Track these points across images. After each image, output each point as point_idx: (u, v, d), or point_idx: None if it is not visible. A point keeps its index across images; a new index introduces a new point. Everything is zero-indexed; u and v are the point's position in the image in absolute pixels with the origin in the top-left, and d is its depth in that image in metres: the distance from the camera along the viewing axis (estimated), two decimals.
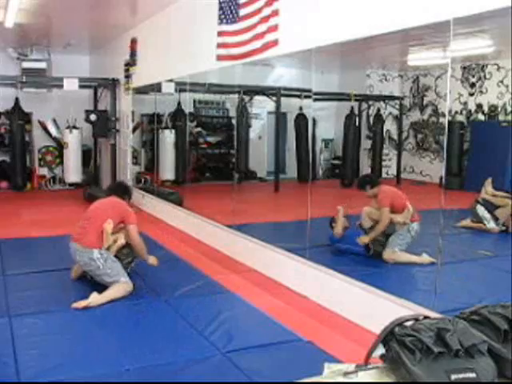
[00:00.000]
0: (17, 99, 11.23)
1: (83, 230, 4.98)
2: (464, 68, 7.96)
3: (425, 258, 5.46)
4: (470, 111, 8.04)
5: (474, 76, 7.95)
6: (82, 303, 4.58)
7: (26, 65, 11.92)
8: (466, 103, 8.07)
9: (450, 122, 7.43)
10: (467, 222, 6.95)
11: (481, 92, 7.89)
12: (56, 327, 4.32)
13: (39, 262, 6.05)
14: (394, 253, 5.57)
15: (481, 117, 7.95)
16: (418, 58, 7.96)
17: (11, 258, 6.21)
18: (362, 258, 5.85)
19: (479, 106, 7.94)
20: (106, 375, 3.40)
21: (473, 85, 7.96)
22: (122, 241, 5.03)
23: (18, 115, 11.32)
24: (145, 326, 4.34)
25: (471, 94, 8.00)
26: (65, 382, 3.32)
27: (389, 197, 5.81)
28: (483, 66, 7.83)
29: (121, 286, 4.80)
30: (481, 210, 6.84)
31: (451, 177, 7.40)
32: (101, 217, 4.99)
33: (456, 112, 8.08)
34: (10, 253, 6.47)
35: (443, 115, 8.23)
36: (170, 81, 9.13)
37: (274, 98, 10.50)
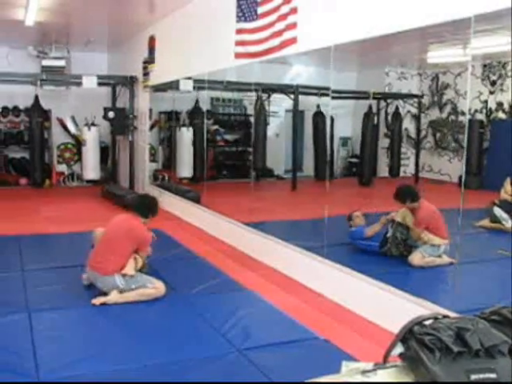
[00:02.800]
0: (36, 96, 11.33)
1: (102, 259, 4.77)
2: (484, 66, 7.89)
3: (444, 259, 5.43)
4: (491, 109, 7.97)
5: (494, 74, 7.88)
6: (100, 299, 4.61)
7: (45, 63, 12.02)
8: (486, 101, 7.99)
9: (469, 121, 7.38)
10: (485, 222, 6.89)
11: (501, 90, 7.82)
12: (74, 323, 4.36)
13: (57, 258, 6.10)
14: (424, 258, 5.53)
15: (501, 115, 7.88)
16: (438, 55, 7.90)
17: (30, 254, 6.26)
18: (379, 258, 5.83)
19: (500, 105, 7.86)
20: (124, 371, 3.42)
21: (493, 83, 7.89)
22: (139, 259, 4.91)
23: (38, 112, 11.42)
24: (162, 322, 4.36)
25: (491, 92, 7.93)
26: (72, 382, 3.32)
27: (426, 220, 5.71)
28: (504, 64, 7.76)
29: (146, 291, 4.73)
30: (498, 211, 6.78)
31: (470, 176, 7.33)
32: (121, 249, 4.77)
33: (476, 110, 8.01)
34: (29, 248, 6.52)
35: (463, 114, 8.18)
36: (188, 78, 9.14)
37: (292, 96, 10.49)
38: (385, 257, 5.84)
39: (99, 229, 5.27)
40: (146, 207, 5.11)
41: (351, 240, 6.26)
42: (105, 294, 4.71)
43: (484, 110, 8.06)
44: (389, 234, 5.86)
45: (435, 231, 5.66)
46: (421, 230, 5.65)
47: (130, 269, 4.78)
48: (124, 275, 4.73)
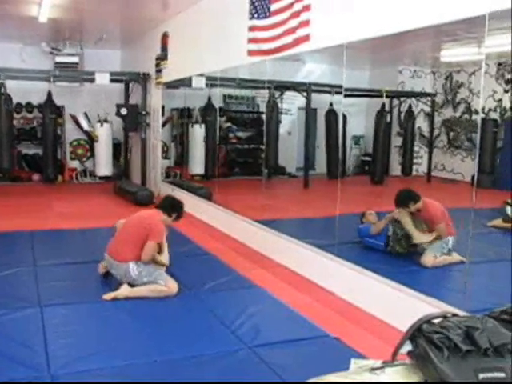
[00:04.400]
0: (49, 93, 11.38)
1: (119, 246, 4.90)
2: (499, 64, 7.82)
3: (455, 257, 5.41)
4: (505, 108, 7.91)
5: (509, 72, 7.81)
6: (110, 295, 4.63)
7: (58, 59, 12.10)
8: (500, 100, 7.93)
9: (483, 120, 7.33)
10: (498, 222, 6.84)
11: None
12: (86, 318, 4.38)
13: (69, 253, 6.13)
14: (436, 258, 5.50)
15: None
16: (451, 54, 7.85)
17: (42, 249, 6.30)
18: (389, 256, 5.82)
19: None
20: (134, 366, 3.44)
21: (508, 81, 7.82)
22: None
23: (51, 109, 11.47)
24: (173, 318, 4.37)
25: (506, 91, 7.86)
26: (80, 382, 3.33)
27: (440, 215, 5.70)
28: None
29: (157, 288, 4.75)
30: (510, 211, 6.74)
31: (483, 175, 7.28)
32: (134, 237, 4.84)
33: (490, 109, 7.95)
34: (41, 244, 6.57)
35: (476, 113, 8.13)
36: (201, 75, 9.15)
37: (305, 94, 10.47)
38: (395, 255, 5.82)
39: (121, 220, 5.35)
40: (171, 205, 5.17)
41: (359, 237, 6.27)
42: (119, 285, 4.76)
43: (498, 109, 8.00)
44: (389, 233, 5.87)
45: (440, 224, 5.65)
46: (443, 224, 5.62)
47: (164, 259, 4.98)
48: (138, 264, 4.77)
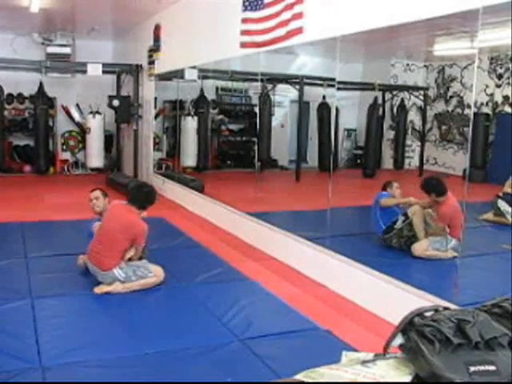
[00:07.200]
0: (41, 84, 11.32)
1: (101, 255, 4.70)
2: (492, 58, 7.83)
3: (448, 253, 5.40)
4: (497, 103, 7.93)
5: (501, 67, 7.82)
6: (103, 289, 4.62)
7: (50, 50, 12.01)
8: (492, 95, 7.95)
9: (475, 114, 7.33)
10: (489, 216, 6.86)
11: (508, 83, 7.77)
12: (77, 310, 4.38)
13: (61, 245, 6.11)
14: (427, 250, 5.49)
15: (507, 109, 7.84)
16: (444, 47, 7.84)
17: (33, 241, 6.28)
18: (382, 249, 5.83)
19: (506, 98, 7.81)
20: (125, 358, 3.44)
21: (500, 76, 7.84)
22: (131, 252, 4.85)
23: (42, 100, 11.42)
24: (164, 311, 4.38)
25: (498, 86, 7.88)
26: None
27: (448, 216, 5.52)
28: None
29: (148, 281, 4.73)
30: (502, 205, 6.76)
31: (475, 169, 7.29)
32: (117, 245, 4.70)
33: (482, 104, 7.97)
34: (33, 236, 6.54)
35: (468, 107, 8.13)
36: (194, 67, 9.12)
37: (297, 87, 10.45)
38: (387, 248, 5.83)
39: (97, 223, 5.20)
40: (144, 199, 4.94)
41: (374, 203, 6.18)
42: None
43: (490, 104, 8.02)
44: (397, 226, 5.82)
45: (451, 229, 5.53)
46: (443, 225, 5.58)
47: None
48: (121, 267, 4.70)
